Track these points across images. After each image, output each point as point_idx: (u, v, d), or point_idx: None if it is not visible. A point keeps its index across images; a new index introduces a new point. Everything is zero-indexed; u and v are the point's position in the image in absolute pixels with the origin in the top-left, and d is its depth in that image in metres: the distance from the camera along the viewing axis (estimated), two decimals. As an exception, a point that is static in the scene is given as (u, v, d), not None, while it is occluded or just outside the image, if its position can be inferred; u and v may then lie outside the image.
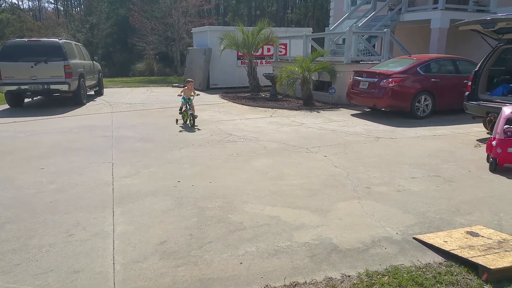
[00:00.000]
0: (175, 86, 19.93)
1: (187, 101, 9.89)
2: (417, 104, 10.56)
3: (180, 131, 9.27)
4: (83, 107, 13.35)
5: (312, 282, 3.27)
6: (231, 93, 16.55)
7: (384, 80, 10.50)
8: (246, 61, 16.21)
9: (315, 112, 12.14)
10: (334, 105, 13.13)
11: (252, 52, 15.92)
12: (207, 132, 9.12)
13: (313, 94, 13.58)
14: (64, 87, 12.52)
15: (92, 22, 32.35)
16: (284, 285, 3.24)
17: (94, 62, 16.66)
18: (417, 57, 11.46)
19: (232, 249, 3.83)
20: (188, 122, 9.82)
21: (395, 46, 15.95)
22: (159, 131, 9.28)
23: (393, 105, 10.69)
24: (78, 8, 53.10)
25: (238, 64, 18.45)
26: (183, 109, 10.05)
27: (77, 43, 15.83)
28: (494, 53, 8.52)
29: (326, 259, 3.63)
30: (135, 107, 13.30)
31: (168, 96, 15.95)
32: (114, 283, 3.28)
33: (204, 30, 19.43)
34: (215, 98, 15.52)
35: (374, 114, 11.47)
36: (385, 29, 14.32)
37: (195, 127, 9.58)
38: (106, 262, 3.60)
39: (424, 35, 16.16)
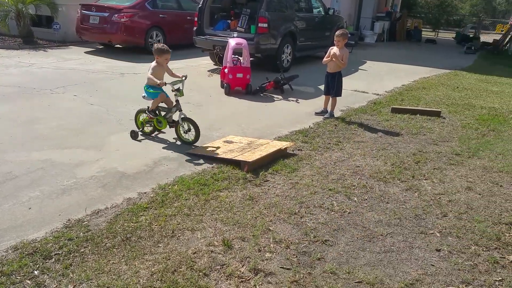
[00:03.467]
0: None
1: (175, 93, 4.79)
2: (150, 39, 11.03)
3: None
4: None
5: (114, 205, 3.47)
6: None
7: (116, 15, 10.40)
8: None
9: (42, 51, 10.93)
10: (62, 42, 12.12)
11: None
12: None
13: (34, 31, 12.03)
14: None
15: None
16: (87, 214, 3.31)
17: None
18: (142, -8, 11.67)
19: (12, 198, 3.50)
20: (180, 134, 4.93)
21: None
22: None
23: (129, 40, 10.84)
24: None
25: None
26: (164, 113, 4.95)
27: None
28: (212, -9, 9.75)
29: (119, 184, 3.84)
30: None
31: None
32: None
33: None
34: None
35: (110, 51, 11.32)
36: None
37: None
38: None
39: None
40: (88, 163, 4.25)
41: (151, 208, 3.42)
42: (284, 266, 2.77)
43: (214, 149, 4.67)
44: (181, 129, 4.87)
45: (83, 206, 3.44)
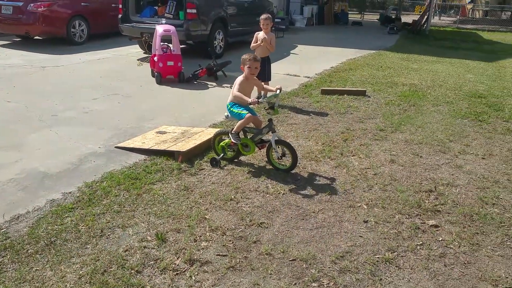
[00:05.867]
0: None
1: (268, 111, 3.97)
2: (72, 29, 10.41)
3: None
4: None
5: (36, 209, 3.24)
6: None
7: (32, 4, 9.68)
8: None
9: None
10: (-30, 36, 11.05)
11: None
12: None
13: None
14: None
15: None
16: (6, 220, 3.06)
17: None
18: (61, -20, 10.97)
19: None
20: (273, 159, 4.06)
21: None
22: None
23: (48, 31, 10.16)
24: None
25: None
26: (251, 135, 4.05)
27: None
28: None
29: (41, 186, 3.60)
30: None
31: None
32: None
33: None
34: None
35: (28, 43, 10.53)
36: None
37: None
38: None
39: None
40: (6, 165, 3.93)
41: (77, 208, 3.24)
42: (221, 253, 2.77)
43: (146, 141, 4.52)
44: (274, 154, 3.99)
45: (1, 212, 3.18)
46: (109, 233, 2.95)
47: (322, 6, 20.50)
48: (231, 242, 2.89)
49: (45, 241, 2.82)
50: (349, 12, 24.42)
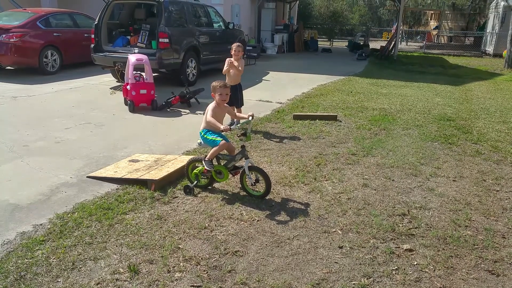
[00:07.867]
0: None
1: (240, 138, 4.08)
2: (45, 59, 10.34)
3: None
4: None
5: (5, 242, 3.15)
6: None
7: (4, 35, 9.60)
8: None
9: None
10: None
11: None
12: None
13: None
14: None
15: None
16: (-27, 257, 2.97)
17: None
18: (33, 11, 10.98)
19: None
20: (246, 185, 4.09)
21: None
22: None
23: (20, 62, 10.08)
24: None
25: None
26: (225, 162, 4.07)
27: None
28: (108, 8, 9.44)
29: (11, 219, 3.50)
30: None
31: None
32: None
33: None
34: None
35: (0, 73, 10.39)
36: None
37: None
38: None
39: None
40: (-27, 199, 3.83)
41: (48, 241, 3.17)
42: (195, 284, 2.74)
43: (119, 170, 4.48)
44: (247, 180, 4.00)
45: (-32, 247, 3.08)
46: (80, 266, 2.88)
47: (292, 34, 21.12)
48: (205, 272, 2.88)
49: (15, 276, 2.73)
50: (319, 39, 25.19)
